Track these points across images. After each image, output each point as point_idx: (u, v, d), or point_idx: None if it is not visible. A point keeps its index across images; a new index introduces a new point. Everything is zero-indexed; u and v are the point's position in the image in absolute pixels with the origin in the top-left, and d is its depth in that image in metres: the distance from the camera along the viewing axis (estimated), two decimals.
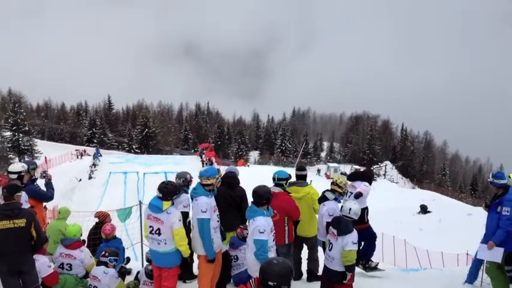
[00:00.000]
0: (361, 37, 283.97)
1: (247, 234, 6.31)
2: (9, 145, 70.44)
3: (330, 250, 6.37)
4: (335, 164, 78.69)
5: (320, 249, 7.64)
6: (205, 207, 6.25)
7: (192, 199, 6.63)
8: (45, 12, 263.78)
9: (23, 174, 7.31)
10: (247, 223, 6.31)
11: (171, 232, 6.21)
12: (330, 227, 6.54)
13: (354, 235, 6.24)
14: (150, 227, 6.32)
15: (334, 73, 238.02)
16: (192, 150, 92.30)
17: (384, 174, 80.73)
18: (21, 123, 74.58)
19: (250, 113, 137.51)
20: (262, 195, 6.05)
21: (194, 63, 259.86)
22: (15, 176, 7.17)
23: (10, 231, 5.68)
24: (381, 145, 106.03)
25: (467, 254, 17.38)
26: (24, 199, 6.60)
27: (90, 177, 42.53)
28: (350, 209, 6.38)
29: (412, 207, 39.14)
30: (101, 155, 51.38)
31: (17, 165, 7.40)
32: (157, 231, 6.26)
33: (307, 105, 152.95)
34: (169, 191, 6.34)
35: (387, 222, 27.39)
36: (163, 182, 6.49)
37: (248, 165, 69.02)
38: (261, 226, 5.83)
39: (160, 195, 6.27)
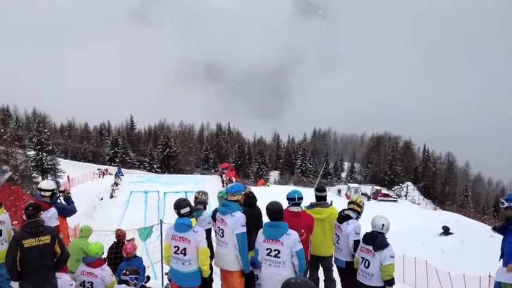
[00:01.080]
0: (382, 57, 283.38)
1: None
2: (32, 164, 71.16)
3: (366, 267, 6.40)
4: (356, 185, 78.05)
5: (335, 269, 7.62)
6: (243, 222, 6.34)
7: (222, 215, 6.58)
8: (70, 35, 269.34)
9: (55, 192, 7.46)
10: (278, 239, 6.09)
11: (197, 251, 6.26)
12: (362, 244, 6.57)
13: (390, 249, 6.31)
14: (176, 247, 6.35)
15: (355, 93, 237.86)
16: (213, 170, 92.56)
17: (406, 196, 79.79)
18: (45, 143, 75.50)
19: (271, 133, 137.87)
20: (281, 210, 6.17)
21: (215, 83, 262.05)
22: (48, 194, 7.27)
23: (36, 249, 5.74)
24: (402, 166, 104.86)
25: (489, 276, 16.97)
26: (54, 216, 6.70)
27: (111, 196, 42.86)
28: (383, 224, 6.47)
29: (434, 229, 38.57)
30: (122, 174, 51.89)
31: (50, 183, 7.49)
32: (183, 251, 6.30)
33: (327, 125, 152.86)
34: (186, 203, 6.51)
35: (408, 243, 27.03)
36: (177, 200, 6.59)
37: (268, 185, 69.00)
38: (297, 237, 5.96)
39: (183, 212, 6.36)
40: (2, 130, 58.98)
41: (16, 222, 12.99)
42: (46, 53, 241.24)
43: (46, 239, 5.84)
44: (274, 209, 6.13)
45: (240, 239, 6.28)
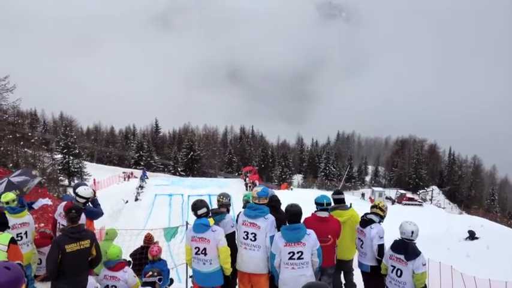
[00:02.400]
0: (407, 59, 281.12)
1: None
2: (59, 167, 72.34)
3: (399, 276, 6.37)
4: (380, 188, 77.30)
5: (357, 273, 7.56)
6: (275, 225, 6.40)
7: (252, 218, 6.52)
8: (96, 41, 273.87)
9: (90, 200, 7.60)
10: (300, 241, 6.10)
11: (217, 251, 6.32)
12: (392, 253, 6.53)
13: (422, 257, 6.28)
14: (196, 248, 6.43)
15: (379, 96, 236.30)
16: (236, 173, 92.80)
17: (431, 200, 78.73)
18: (71, 146, 76.49)
19: (294, 136, 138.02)
20: (301, 212, 6.20)
21: (239, 87, 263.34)
22: (83, 200, 7.42)
23: (77, 253, 5.92)
24: (427, 169, 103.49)
25: None
26: (83, 220, 6.83)
27: (136, 199, 43.38)
28: (412, 232, 6.42)
29: (459, 233, 37.87)
30: (147, 178, 52.44)
31: (89, 191, 7.60)
32: (203, 251, 6.37)
33: (351, 128, 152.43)
34: (203, 204, 6.62)
35: (433, 248, 26.62)
36: (193, 202, 6.73)
37: (291, 189, 68.77)
38: (315, 235, 6.10)
39: (200, 213, 6.47)
40: (29, 134, 60.09)
41: (43, 224, 13.23)
42: (73, 58, 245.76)
43: (86, 243, 6.03)
44: (294, 211, 6.16)
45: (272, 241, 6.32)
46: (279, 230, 6.44)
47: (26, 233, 7.15)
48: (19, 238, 6.94)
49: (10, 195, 7.39)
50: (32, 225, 7.44)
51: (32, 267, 7.34)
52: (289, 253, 6.00)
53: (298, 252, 5.98)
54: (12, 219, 6.91)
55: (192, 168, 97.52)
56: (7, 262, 2.84)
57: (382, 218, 7.45)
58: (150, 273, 7.14)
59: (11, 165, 35.88)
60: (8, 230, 6.19)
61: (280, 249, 6.06)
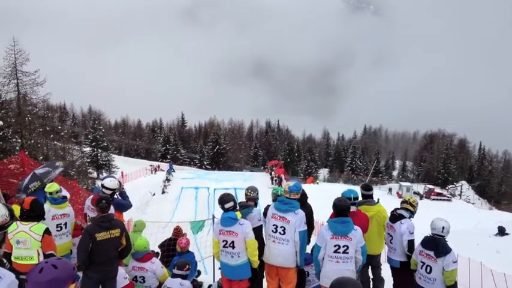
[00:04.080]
0: (435, 52, 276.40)
1: None
2: (88, 160, 73.70)
3: (428, 272, 6.33)
4: (407, 183, 76.42)
5: (386, 268, 7.51)
6: (305, 220, 6.39)
7: (282, 212, 6.46)
8: (124, 36, 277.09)
9: (116, 191, 7.72)
10: (347, 235, 6.06)
11: (244, 244, 6.35)
12: (422, 248, 6.48)
13: (452, 254, 6.22)
14: (224, 241, 6.46)
15: (408, 90, 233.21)
16: (262, 167, 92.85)
17: (460, 195, 77.57)
18: (100, 140, 77.79)
19: (320, 130, 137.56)
20: (349, 207, 6.22)
21: (265, 81, 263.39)
22: (109, 192, 7.54)
23: (107, 241, 6.03)
24: (456, 164, 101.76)
25: None
26: (111, 211, 6.94)
27: (163, 192, 43.85)
28: (443, 227, 6.35)
29: (489, 229, 37.24)
30: (174, 171, 52.93)
31: (114, 182, 7.72)
32: (231, 244, 6.40)
33: (378, 123, 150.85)
34: (230, 197, 6.62)
35: (462, 244, 26.22)
36: (220, 196, 6.72)
37: (317, 183, 68.62)
38: (361, 232, 6.13)
39: (228, 206, 6.48)
40: (59, 127, 61.26)
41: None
42: (101, 53, 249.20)
43: (116, 232, 6.14)
44: (342, 206, 6.12)
45: (302, 237, 6.30)
46: (307, 224, 6.43)
47: (65, 224, 7.29)
48: (59, 229, 7.10)
49: (54, 186, 7.54)
50: (72, 217, 7.57)
51: None
52: (334, 246, 5.98)
53: (343, 246, 5.95)
54: (53, 210, 7.08)
55: (218, 161, 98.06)
56: (58, 260, 2.86)
57: (412, 213, 7.36)
58: (188, 266, 7.18)
59: (41, 157, 36.65)
60: (44, 220, 6.32)
61: (326, 242, 6.03)
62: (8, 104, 38.74)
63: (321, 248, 6.08)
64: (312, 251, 6.99)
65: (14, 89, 38.98)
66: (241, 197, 8.06)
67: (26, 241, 5.87)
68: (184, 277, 7.19)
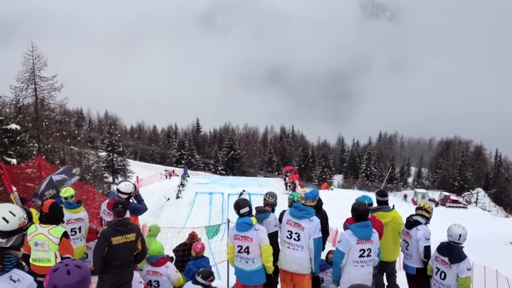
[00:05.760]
0: (452, 59, 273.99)
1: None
2: (104, 165, 73.97)
3: (442, 279, 6.30)
4: (423, 190, 75.64)
5: (401, 275, 7.45)
6: (320, 227, 6.38)
7: (297, 219, 6.45)
8: (140, 41, 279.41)
9: (132, 195, 7.79)
10: (370, 238, 6.12)
11: (259, 249, 6.36)
12: (437, 254, 6.45)
13: (467, 261, 6.17)
14: (239, 246, 6.49)
15: (423, 96, 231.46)
16: (276, 173, 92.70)
17: (476, 202, 76.65)
18: (115, 144, 78.30)
19: (335, 136, 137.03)
20: (369, 211, 6.27)
21: (280, 87, 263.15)
22: (125, 196, 7.63)
23: (123, 246, 6.06)
24: (472, 171, 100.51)
25: None
26: (127, 215, 7.01)
27: (177, 197, 43.92)
28: (460, 235, 6.29)
29: (506, 237, 36.80)
30: (188, 176, 53.05)
31: (130, 186, 7.83)
32: (246, 250, 6.42)
33: (394, 129, 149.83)
34: (246, 203, 6.66)
35: (478, 252, 25.89)
36: (236, 201, 6.75)
37: (332, 189, 68.32)
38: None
39: (243, 212, 6.50)
40: (75, 132, 61.90)
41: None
42: (118, 58, 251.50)
43: (132, 237, 6.16)
44: (362, 210, 6.14)
45: (317, 244, 6.29)
46: (322, 230, 6.43)
47: (80, 228, 7.40)
48: (73, 233, 7.22)
49: (70, 191, 7.67)
50: (87, 221, 7.68)
51: None
52: (360, 250, 5.98)
53: (367, 250, 5.99)
54: (67, 214, 7.17)
55: (232, 167, 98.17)
56: (76, 261, 2.90)
57: (428, 219, 7.31)
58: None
59: (57, 162, 36.98)
60: (62, 224, 6.41)
61: (351, 247, 6.00)
62: (25, 109, 39.19)
63: (345, 254, 6.05)
64: (326, 257, 7.00)
65: (32, 94, 39.35)
66: (256, 203, 8.07)
67: (44, 243, 5.96)
68: (205, 287, 7.12)
